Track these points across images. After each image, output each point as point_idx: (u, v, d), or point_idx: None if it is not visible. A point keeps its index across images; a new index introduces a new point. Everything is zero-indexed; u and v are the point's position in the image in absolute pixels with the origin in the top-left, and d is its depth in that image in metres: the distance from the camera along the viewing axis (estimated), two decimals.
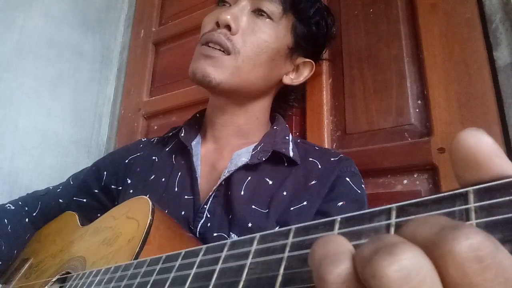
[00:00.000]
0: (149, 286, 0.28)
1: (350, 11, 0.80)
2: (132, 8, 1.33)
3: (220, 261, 0.23)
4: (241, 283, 0.21)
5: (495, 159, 0.16)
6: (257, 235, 0.23)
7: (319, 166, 0.59)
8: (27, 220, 0.72)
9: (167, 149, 0.68)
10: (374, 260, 0.14)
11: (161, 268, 0.29)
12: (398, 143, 0.67)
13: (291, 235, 0.21)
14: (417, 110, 0.67)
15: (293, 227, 0.21)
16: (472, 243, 0.13)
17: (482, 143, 0.17)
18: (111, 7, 1.29)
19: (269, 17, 0.60)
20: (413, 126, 0.67)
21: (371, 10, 0.77)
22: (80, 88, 1.15)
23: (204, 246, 0.26)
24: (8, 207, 0.72)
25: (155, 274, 0.29)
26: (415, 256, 0.14)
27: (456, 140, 0.17)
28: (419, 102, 0.68)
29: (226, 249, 0.24)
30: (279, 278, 0.19)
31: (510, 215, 0.14)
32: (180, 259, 0.27)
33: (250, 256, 0.22)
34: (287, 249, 0.20)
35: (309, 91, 0.80)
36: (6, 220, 0.68)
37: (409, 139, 0.66)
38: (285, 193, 0.56)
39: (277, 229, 0.22)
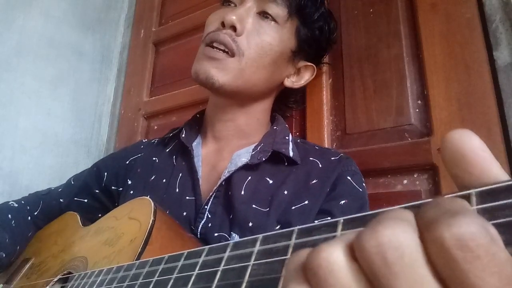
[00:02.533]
0: (151, 287, 0.28)
1: (350, 11, 0.80)
2: (132, 8, 1.32)
3: (223, 262, 0.23)
4: (244, 284, 0.20)
5: (484, 161, 0.16)
6: (260, 236, 0.22)
7: (320, 166, 0.59)
8: (29, 218, 0.72)
9: (167, 150, 0.68)
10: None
11: (164, 269, 0.28)
12: (398, 143, 0.67)
13: (294, 236, 0.20)
14: (417, 110, 0.67)
15: (296, 228, 0.21)
16: (464, 231, 0.13)
17: (470, 144, 0.17)
18: (111, 7, 1.29)
19: (274, 20, 0.60)
20: (413, 126, 0.67)
21: (371, 10, 0.77)
22: (80, 88, 1.15)
23: (207, 247, 0.26)
24: (12, 204, 0.72)
25: (157, 275, 0.29)
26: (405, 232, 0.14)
27: (445, 140, 0.17)
28: (419, 102, 0.68)
29: (228, 250, 0.24)
30: (282, 280, 0.19)
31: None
32: (182, 259, 0.27)
33: (253, 258, 0.21)
34: (290, 250, 0.20)
35: (309, 91, 0.80)
36: (10, 215, 0.68)
37: (409, 139, 0.66)
38: (285, 192, 0.56)
39: (278, 228, 0.22)
